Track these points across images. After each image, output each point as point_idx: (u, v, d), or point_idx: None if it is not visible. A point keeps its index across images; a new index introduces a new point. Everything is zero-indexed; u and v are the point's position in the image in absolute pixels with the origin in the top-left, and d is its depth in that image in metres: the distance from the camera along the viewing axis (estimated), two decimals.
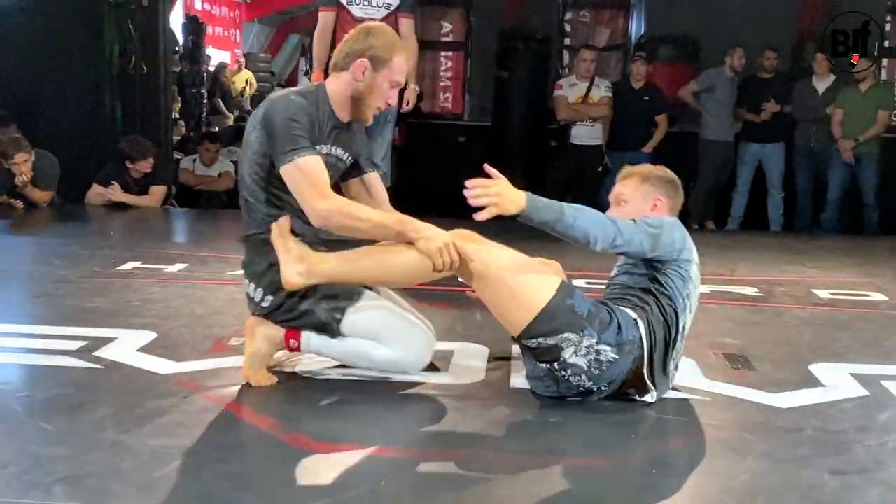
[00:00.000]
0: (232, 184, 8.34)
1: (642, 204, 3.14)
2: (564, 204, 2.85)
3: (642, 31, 12.17)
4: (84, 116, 8.66)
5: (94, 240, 5.91)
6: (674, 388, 3.04)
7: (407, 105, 6.06)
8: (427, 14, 12.21)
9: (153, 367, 3.19)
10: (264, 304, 3.07)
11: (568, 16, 12.54)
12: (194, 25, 11.18)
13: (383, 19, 5.82)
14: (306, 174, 2.95)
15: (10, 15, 8.66)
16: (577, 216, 2.83)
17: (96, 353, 3.30)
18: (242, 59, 13.60)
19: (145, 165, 7.16)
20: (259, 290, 3.07)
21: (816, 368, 3.38)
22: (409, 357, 3.08)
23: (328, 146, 3.11)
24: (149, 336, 3.56)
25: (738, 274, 5.29)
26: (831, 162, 8.57)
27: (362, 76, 3.09)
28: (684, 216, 9.79)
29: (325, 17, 5.91)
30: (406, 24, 5.96)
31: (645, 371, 2.90)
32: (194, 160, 8.35)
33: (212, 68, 12.40)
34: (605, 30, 12.60)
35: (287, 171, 2.96)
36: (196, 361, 3.28)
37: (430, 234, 2.94)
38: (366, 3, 5.82)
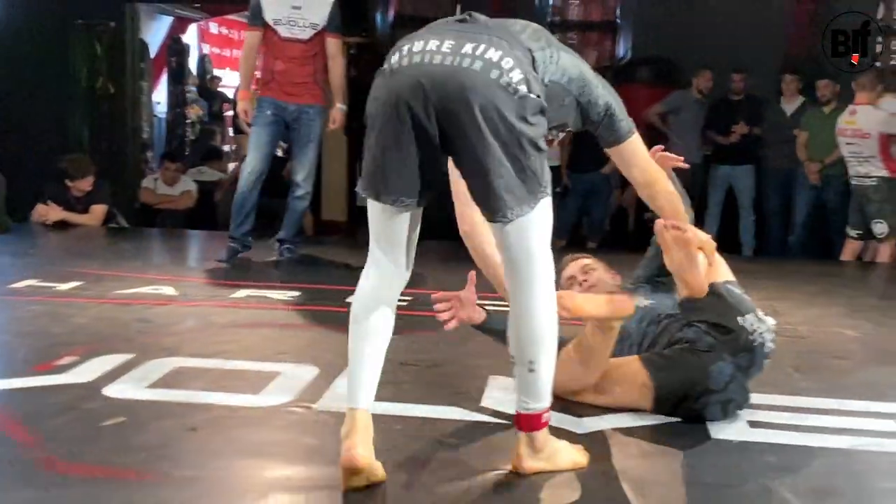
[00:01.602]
0: (192, 203, 8.42)
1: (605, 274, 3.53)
2: None
3: (628, 53, 12.11)
4: (52, 136, 8.80)
5: (6, 259, 5.97)
6: None
7: (334, 124, 6.09)
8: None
9: None
10: None
11: (556, 37, 12.52)
12: (177, 46, 11.31)
13: (309, 40, 5.89)
14: None
15: None
16: None
17: None
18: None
19: (85, 184, 7.23)
20: None
21: None
22: None
23: None
24: None
25: None
26: (798, 185, 8.45)
27: None
28: (638, 239, 9.65)
29: (251, 37, 6.00)
30: (333, 44, 6.00)
31: None
32: (156, 179, 8.43)
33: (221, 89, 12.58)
34: (593, 52, 12.54)
35: (636, 142, 2.79)
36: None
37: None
38: (292, 23, 5.86)
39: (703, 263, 3.12)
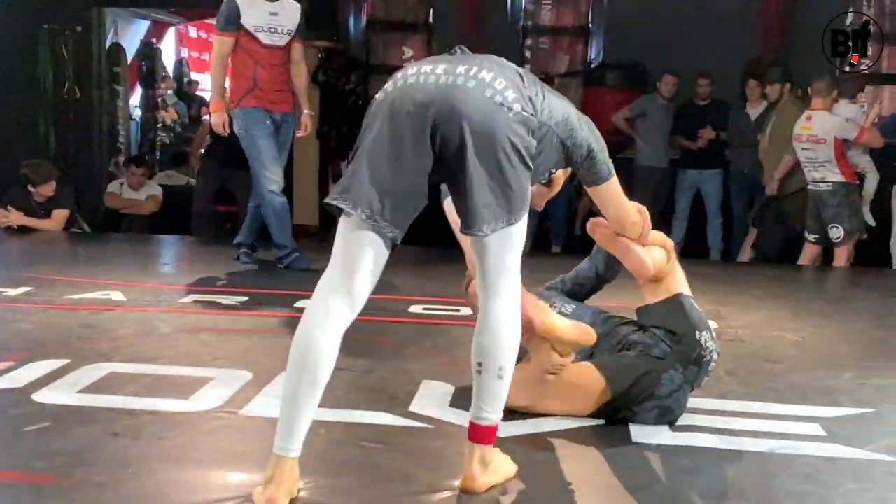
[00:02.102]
0: (157, 207, 8.43)
1: None
2: None
3: (600, 58, 12.15)
4: (18, 141, 8.80)
5: None
6: None
7: (306, 130, 6.07)
8: (390, 39, 12.30)
9: None
10: None
11: (528, 42, 12.57)
12: (147, 51, 11.32)
13: (285, 46, 5.85)
14: None
15: None
16: None
17: None
18: None
19: (47, 189, 7.25)
20: None
21: None
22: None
23: None
24: None
25: None
26: (760, 190, 8.50)
27: None
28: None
29: (224, 42, 5.77)
30: (299, 49, 5.97)
31: None
32: (121, 184, 8.43)
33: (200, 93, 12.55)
34: (565, 56, 12.62)
35: (613, 185, 2.85)
36: None
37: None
38: (272, 31, 5.78)
39: (660, 258, 3.27)
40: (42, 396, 3.26)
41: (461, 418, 2.99)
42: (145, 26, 13.67)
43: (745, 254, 8.11)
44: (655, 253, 3.27)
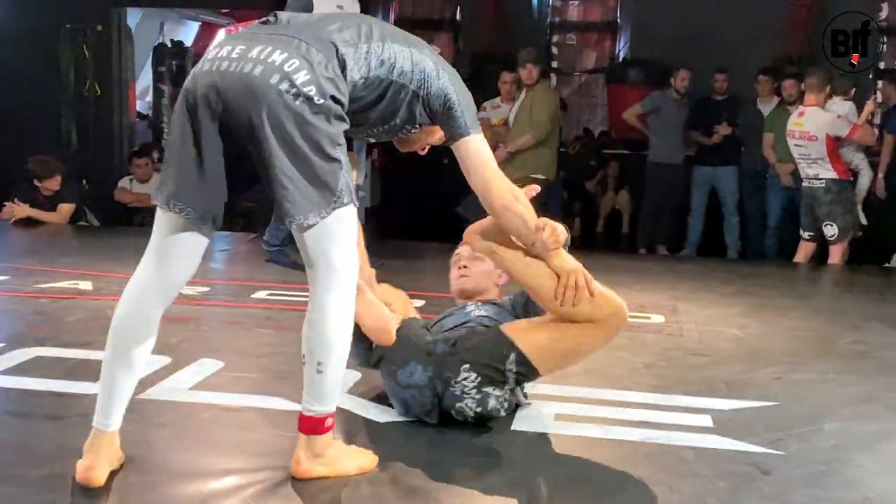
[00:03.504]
0: None
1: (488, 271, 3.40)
2: None
3: (627, 53, 12.13)
4: (41, 137, 9.10)
5: None
6: None
7: None
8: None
9: None
10: None
11: (555, 39, 12.58)
12: (177, 49, 11.58)
13: None
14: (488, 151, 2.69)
15: None
16: None
17: None
18: None
19: (53, 184, 7.50)
20: None
21: None
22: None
23: None
24: None
25: None
26: (770, 187, 8.42)
27: None
28: (631, 240, 9.75)
29: None
30: None
31: None
32: (131, 179, 8.66)
33: None
34: (592, 52, 12.61)
35: (472, 142, 2.65)
36: None
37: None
38: None
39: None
40: None
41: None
42: (195, 28, 14.02)
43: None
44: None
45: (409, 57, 2.56)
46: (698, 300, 5.24)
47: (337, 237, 2.44)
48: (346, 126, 2.44)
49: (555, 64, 12.39)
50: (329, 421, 2.56)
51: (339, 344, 2.50)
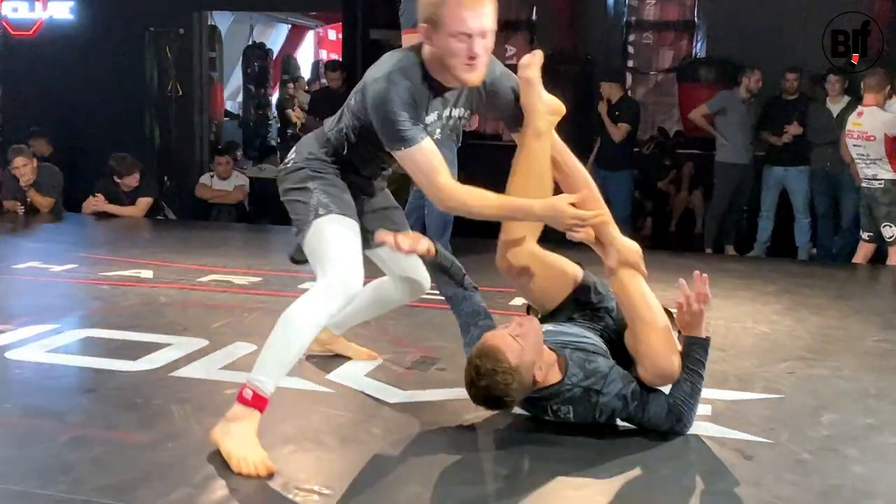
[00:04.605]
0: (243, 197, 9.01)
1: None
2: None
3: (704, 52, 12.03)
4: (125, 135, 9.55)
5: (31, 243, 6.63)
6: None
7: None
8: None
9: None
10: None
11: (631, 37, 12.56)
12: (259, 52, 11.99)
13: None
14: (425, 155, 2.89)
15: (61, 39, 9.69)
16: None
17: None
18: None
19: (132, 180, 7.90)
20: None
21: None
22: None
23: (431, 115, 2.98)
24: None
25: None
26: (843, 187, 8.32)
27: (430, 41, 2.88)
28: (700, 240, 9.66)
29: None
30: None
31: None
32: (212, 175, 9.04)
33: None
34: (669, 51, 12.53)
35: (402, 156, 2.90)
36: None
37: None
38: None
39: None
40: (15, 354, 3.70)
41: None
42: (285, 30, 14.46)
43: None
44: None
45: (357, 100, 2.97)
46: (736, 297, 5.27)
47: (313, 244, 2.95)
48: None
49: (631, 63, 12.36)
50: (247, 392, 2.74)
51: (290, 326, 2.80)
